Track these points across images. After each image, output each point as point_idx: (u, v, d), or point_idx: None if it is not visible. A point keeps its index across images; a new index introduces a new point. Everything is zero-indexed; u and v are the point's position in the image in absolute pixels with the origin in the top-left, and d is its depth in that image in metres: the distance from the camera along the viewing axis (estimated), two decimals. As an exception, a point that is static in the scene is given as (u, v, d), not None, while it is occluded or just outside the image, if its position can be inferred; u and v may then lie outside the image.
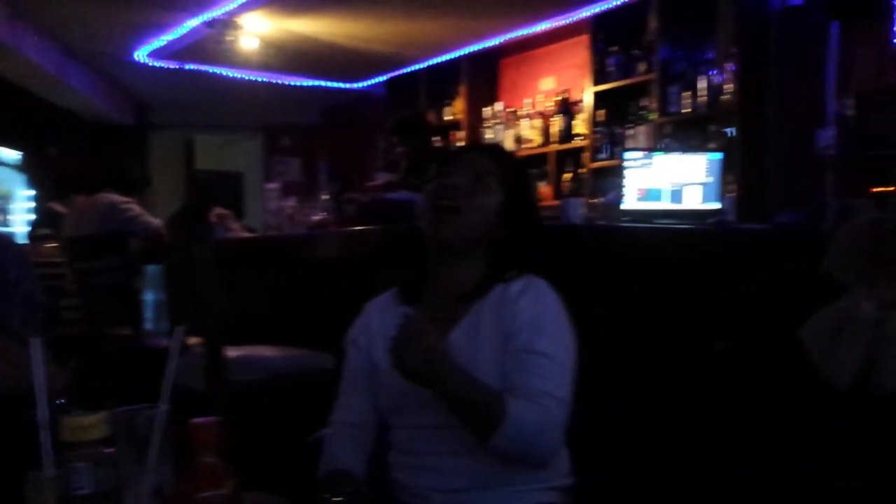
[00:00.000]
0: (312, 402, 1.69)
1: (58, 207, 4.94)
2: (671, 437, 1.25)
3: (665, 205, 3.48)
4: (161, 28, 5.47)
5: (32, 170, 7.09)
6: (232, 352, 2.45)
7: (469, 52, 5.93)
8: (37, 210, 6.96)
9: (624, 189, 3.73)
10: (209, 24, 5.27)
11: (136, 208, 4.63)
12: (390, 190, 3.86)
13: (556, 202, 4.89)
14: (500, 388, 1.34)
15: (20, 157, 6.97)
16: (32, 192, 7.09)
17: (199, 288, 2.74)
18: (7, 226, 6.72)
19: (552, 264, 1.48)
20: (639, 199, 3.66)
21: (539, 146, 5.43)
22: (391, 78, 6.79)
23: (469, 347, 1.38)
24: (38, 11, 5.05)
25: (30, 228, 6.89)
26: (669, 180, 3.46)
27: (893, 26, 3.69)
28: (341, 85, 7.15)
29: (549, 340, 1.35)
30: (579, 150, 5.11)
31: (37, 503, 0.86)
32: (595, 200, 4.48)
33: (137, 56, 6.05)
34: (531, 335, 1.35)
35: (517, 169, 1.51)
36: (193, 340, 3.03)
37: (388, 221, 2.68)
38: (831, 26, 3.95)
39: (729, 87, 4.20)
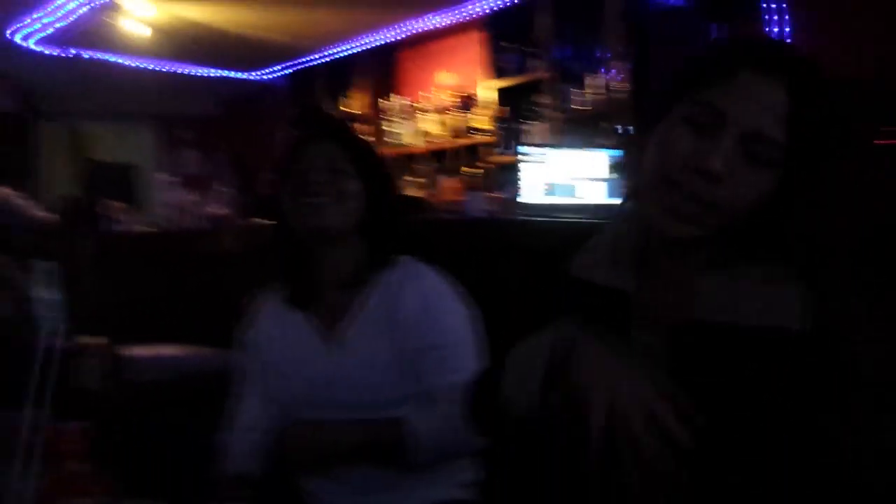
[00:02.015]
0: (217, 402, 1.69)
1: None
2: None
3: (565, 199, 3.57)
4: (32, 6, 5.22)
5: None
6: (132, 351, 2.41)
7: (366, 44, 5.94)
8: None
9: (520, 184, 3.84)
10: (90, 6, 5.07)
11: (19, 200, 4.44)
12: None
13: (459, 196, 4.98)
14: (401, 380, 1.37)
15: None
16: None
17: (89, 284, 2.68)
18: None
19: (455, 255, 1.52)
20: (540, 194, 3.77)
21: (441, 140, 5.50)
22: (290, 69, 6.72)
23: (363, 344, 1.40)
24: None
25: None
26: (568, 176, 3.56)
27: (766, 28, 3.95)
28: (239, 75, 7.02)
29: (443, 328, 1.38)
30: (480, 144, 5.21)
31: None
32: (496, 195, 4.59)
33: (17, 39, 5.76)
34: (425, 330, 1.37)
35: (367, 151, 1.51)
36: (91, 340, 2.95)
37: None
38: (710, 27, 4.18)
39: (621, 85, 4.38)
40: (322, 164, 1.41)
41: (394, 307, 1.39)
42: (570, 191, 3.56)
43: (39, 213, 4.43)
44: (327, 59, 6.30)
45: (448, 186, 5.32)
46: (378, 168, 1.50)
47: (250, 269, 2.62)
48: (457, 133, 5.39)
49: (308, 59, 6.40)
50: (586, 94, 4.54)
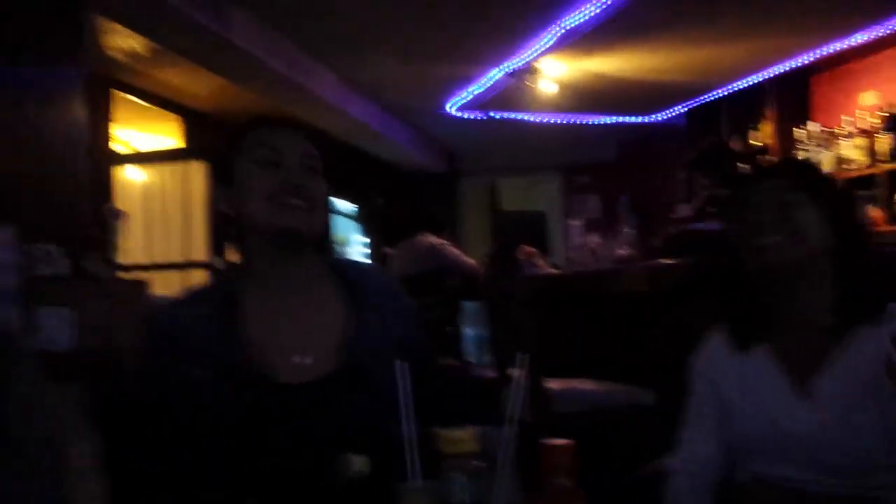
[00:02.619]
0: (633, 437, 1.68)
1: (387, 251, 5.53)
2: None
3: None
4: (467, 81, 5.91)
5: (364, 218, 8.00)
6: (553, 384, 2.54)
7: (775, 73, 5.60)
8: (371, 254, 7.83)
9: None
10: (510, 73, 5.59)
11: (452, 249, 5.02)
12: (695, 221, 3.78)
13: (890, 227, 4.41)
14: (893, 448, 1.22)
15: (355, 208, 7.90)
16: (366, 239, 8.00)
17: (517, 322, 2.90)
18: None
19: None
20: None
21: (865, 167, 4.94)
22: (690, 107, 6.63)
23: (842, 402, 1.27)
24: (360, 75, 5.72)
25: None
26: None
27: None
28: (638, 119, 7.13)
29: None
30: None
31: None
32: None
33: (447, 109, 6.58)
34: None
35: (825, 183, 1.40)
36: (516, 372, 3.19)
37: (696, 252, 2.63)
38: None
39: None
40: (769, 202, 1.34)
41: (880, 362, 1.21)
42: None
43: (467, 259, 4.96)
44: (729, 92, 6.08)
45: (879, 216, 4.73)
46: (835, 191, 1.41)
47: (655, 308, 2.61)
48: (884, 157, 4.78)
49: (710, 95, 6.26)
50: None
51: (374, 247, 7.78)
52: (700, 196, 4.34)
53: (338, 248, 7.52)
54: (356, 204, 7.82)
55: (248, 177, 1.28)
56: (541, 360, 2.74)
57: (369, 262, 7.03)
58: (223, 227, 1.34)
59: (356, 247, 7.88)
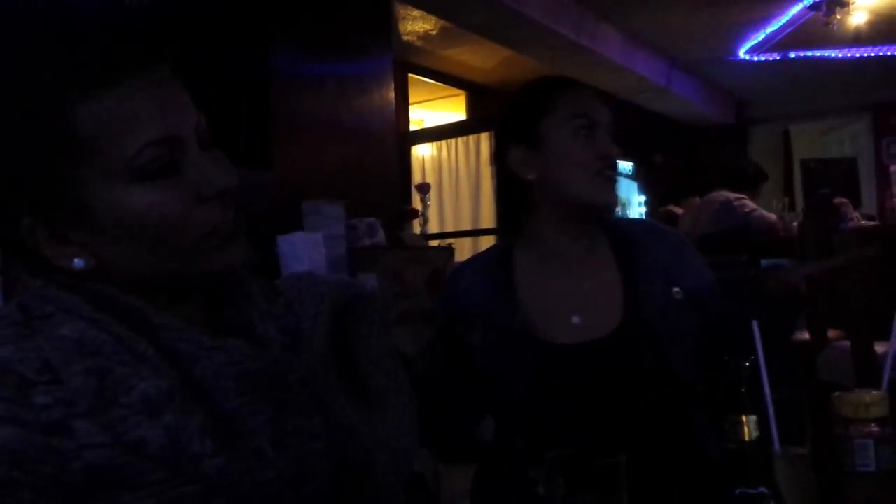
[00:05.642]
0: None
1: (674, 209, 5.35)
2: None
3: None
4: (762, 22, 5.49)
5: (642, 177, 7.78)
6: (880, 347, 2.32)
7: None
8: (649, 214, 7.62)
9: None
10: (812, 6, 5.08)
11: (749, 204, 4.73)
12: None
13: None
14: None
15: (631, 167, 7.72)
16: (644, 198, 7.78)
17: (840, 281, 2.67)
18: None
19: None
20: None
21: None
22: None
23: None
24: (646, 31, 5.54)
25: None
26: None
27: None
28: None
29: None
30: None
31: (790, 477, 0.92)
32: None
33: (739, 55, 6.16)
34: None
35: None
36: (833, 334, 2.96)
37: None
38: None
39: None
40: None
41: None
42: None
43: (767, 214, 4.65)
44: None
45: None
46: None
47: None
48: None
49: None
50: None
51: (653, 206, 7.55)
52: None
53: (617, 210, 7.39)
54: (633, 162, 7.64)
55: (561, 144, 1.25)
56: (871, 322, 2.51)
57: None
58: (510, 189, 1.32)
59: (634, 207, 7.70)
